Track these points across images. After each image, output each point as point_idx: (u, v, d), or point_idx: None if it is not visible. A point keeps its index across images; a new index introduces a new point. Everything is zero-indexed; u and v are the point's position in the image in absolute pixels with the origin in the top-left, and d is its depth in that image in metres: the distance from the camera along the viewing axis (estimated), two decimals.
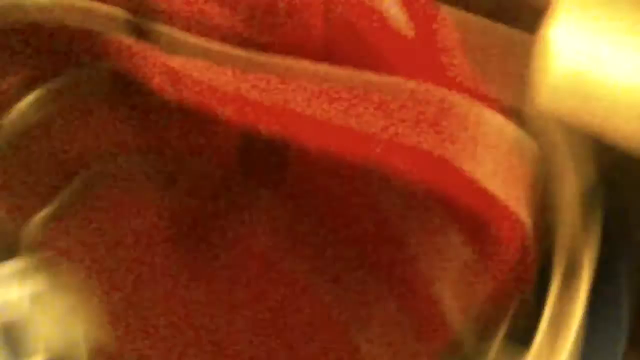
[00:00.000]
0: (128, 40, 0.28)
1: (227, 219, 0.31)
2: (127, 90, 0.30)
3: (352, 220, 0.30)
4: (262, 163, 0.29)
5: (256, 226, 0.31)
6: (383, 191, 0.29)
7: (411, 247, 0.29)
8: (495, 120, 0.28)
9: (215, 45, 0.27)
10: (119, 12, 0.27)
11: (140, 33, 0.27)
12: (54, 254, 0.38)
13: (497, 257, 0.28)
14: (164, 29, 0.27)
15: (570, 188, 0.30)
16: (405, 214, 0.29)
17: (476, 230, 0.27)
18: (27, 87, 0.31)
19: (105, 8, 0.27)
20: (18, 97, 0.31)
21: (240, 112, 0.26)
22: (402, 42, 0.28)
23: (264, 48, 0.27)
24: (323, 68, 0.27)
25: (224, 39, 0.27)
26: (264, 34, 0.27)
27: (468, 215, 0.27)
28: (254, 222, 0.31)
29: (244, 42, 0.27)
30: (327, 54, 0.27)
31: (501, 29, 0.34)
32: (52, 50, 0.30)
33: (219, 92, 0.26)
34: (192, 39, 0.27)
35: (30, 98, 0.31)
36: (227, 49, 0.27)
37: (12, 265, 0.39)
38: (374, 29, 0.27)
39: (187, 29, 0.27)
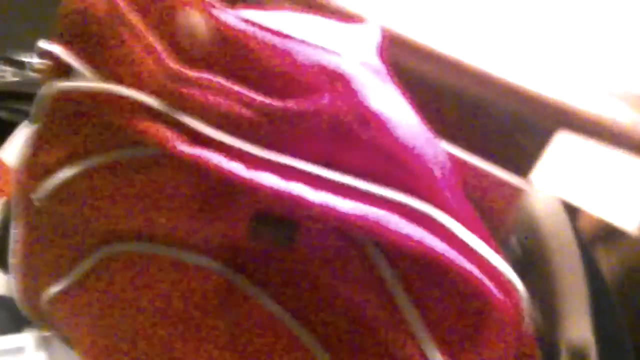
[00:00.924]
0: (160, 127, 0.31)
1: (237, 289, 0.33)
2: (155, 174, 0.33)
3: (351, 296, 0.32)
4: (270, 236, 0.32)
5: (263, 291, 0.33)
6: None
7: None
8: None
9: (232, 140, 0.31)
10: (154, 102, 0.32)
11: (171, 121, 0.31)
12: (61, 328, 0.39)
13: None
14: (192, 120, 0.31)
15: None
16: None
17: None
18: (68, 161, 0.34)
19: (141, 97, 0.32)
20: (59, 169, 0.34)
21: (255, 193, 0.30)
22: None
23: (276, 147, 0.31)
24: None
25: (242, 134, 0.31)
26: (275, 133, 0.31)
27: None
28: (261, 286, 0.33)
29: (260, 140, 0.31)
30: (328, 160, 0.31)
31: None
32: (95, 132, 0.33)
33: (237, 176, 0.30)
34: (215, 132, 0.31)
35: (67, 171, 0.34)
36: (245, 144, 0.31)
37: (19, 338, 0.41)
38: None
39: (212, 122, 0.31)
